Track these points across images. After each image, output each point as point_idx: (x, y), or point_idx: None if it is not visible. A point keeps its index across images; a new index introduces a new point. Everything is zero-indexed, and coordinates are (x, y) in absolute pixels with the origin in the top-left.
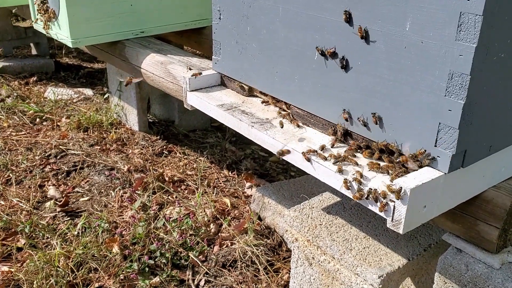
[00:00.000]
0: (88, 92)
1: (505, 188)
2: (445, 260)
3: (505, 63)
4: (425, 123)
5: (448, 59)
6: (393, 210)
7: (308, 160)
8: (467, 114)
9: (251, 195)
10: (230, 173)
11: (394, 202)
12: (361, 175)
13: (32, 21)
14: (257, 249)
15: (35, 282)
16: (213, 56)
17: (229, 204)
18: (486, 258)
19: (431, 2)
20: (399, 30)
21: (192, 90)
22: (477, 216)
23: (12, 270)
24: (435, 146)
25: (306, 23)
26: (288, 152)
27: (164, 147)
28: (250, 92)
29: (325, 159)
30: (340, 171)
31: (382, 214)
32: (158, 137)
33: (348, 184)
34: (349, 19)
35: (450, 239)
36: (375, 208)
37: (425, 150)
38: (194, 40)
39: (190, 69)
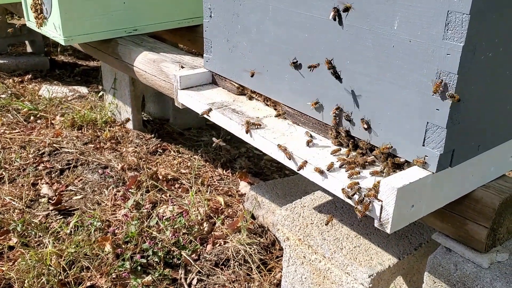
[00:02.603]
0: (83, 90)
1: (494, 188)
2: (435, 259)
3: (493, 62)
4: (413, 122)
5: (435, 58)
6: (381, 210)
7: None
8: (455, 113)
9: (245, 194)
10: (224, 171)
11: (381, 201)
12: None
13: (25, 20)
14: (250, 248)
15: (26, 281)
16: (204, 54)
17: (222, 203)
18: (475, 258)
19: (419, 1)
20: (388, 29)
21: (183, 89)
22: (466, 215)
23: (4, 268)
24: (423, 145)
25: (296, 21)
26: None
27: (159, 145)
28: (241, 91)
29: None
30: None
31: (368, 213)
32: (153, 135)
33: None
34: (337, 17)
35: (439, 239)
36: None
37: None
38: (188, 38)
39: (182, 67)
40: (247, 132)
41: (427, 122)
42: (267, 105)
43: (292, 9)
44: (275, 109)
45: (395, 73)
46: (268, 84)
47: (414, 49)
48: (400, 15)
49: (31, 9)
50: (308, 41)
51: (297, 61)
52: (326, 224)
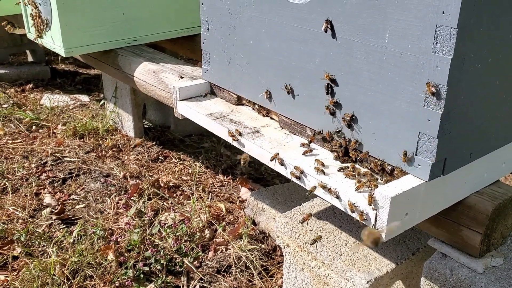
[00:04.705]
0: (84, 98)
1: (487, 194)
2: (430, 265)
3: (482, 73)
4: (406, 132)
5: (426, 70)
6: (375, 218)
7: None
8: (446, 123)
9: (246, 200)
10: (225, 177)
11: (376, 210)
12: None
13: (26, 31)
14: (252, 254)
15: None
16: (202, 66)
17: (224, 209)
18: (470, 263)
19: (408, 15)
20: (379, 42)
21: (183, 100)
22: (460, 221)
23: (8, 278)
24: (416, 154)
25: (291, 34)
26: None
27: (160, 152)
28: (239, 101)
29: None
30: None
31: (364, 222)
32: (154, 143)
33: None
34: (331, 29)
35: (435, 244)
36: (356, 216)
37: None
38: (187, 47)
39: (181, 77)
40: (234, 140)
41: (419, 132)
42: (264, 115)
43: (286, 22)
44: (272, 119)
45: (387, 84)
46: (265, 94)
47: (405, 62)
48: (391, 28)
49: (32, 21)
50: (302, 53)
51: (287, 85)
52: (301, 223)
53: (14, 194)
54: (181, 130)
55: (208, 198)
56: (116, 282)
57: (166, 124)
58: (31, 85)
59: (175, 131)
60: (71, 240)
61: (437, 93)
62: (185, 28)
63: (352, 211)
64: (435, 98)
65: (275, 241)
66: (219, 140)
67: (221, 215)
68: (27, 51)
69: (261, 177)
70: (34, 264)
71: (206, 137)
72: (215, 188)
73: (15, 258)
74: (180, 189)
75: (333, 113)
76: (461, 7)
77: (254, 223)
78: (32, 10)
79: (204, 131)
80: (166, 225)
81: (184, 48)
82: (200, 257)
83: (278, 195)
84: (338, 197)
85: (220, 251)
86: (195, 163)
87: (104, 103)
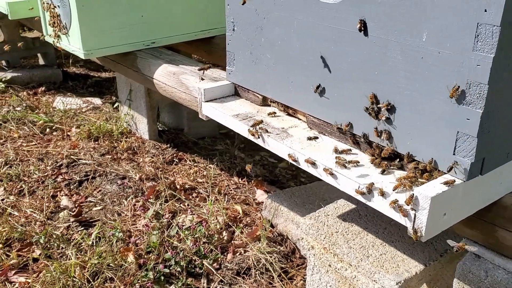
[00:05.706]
0: (97, 101)
1: None
2: (464, 266)
3: None
4: (443, 131)
5: (465, 69)
6: (414, 218)
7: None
8: (485, 122)
9: (262, 202)
10: (240, 180)
11: (415, 210)
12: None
13: (44, 34)
14: (271, 257)
15: None
16: (227, 67)
17: (240, 211)
18: (506, 264)
19: (447, 13)
20: (416, 41)
21: (207, 101)
22: (496, 222)
23: (29, 281)
24: (454, 154)
25: (322, 34)
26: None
27: (174, 155)
28: (264, 102)
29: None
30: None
31: (403, 222)
32: (168, 145)
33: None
34: (363, 28)
35: (468, 245)
36: (396, 216)
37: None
38: (204, 49)
39: (202, 79)
40: (253, 135)
41: (458, 132)
42: (292, 115)
43: (317, 22)
44: (299, 119)
45: (424, 84)
46: (292, 95)
47: (444, 61)
48: (428, 27)
49: (50, 24)
50: (335, 53)
51: (319, 86)
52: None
53: (31, 197)
54: (194, 133)
55: (224, 200)
56: (137, 284)
57: (180, 126)
58: (43, 88)
59: (189, 134)
60: (90, 242)
61: (462, 95)
62: (203, 30)
63: (391, 212)
64: (475, 96)
65: (294, 243)
66: (232, 142)
67: (238, 217)
68: (38, 54)
69: (276, 179)
70: (54, 266)
71: (219, 139)
72: (231, 190)
73: (35, 260)
74: (196, 191)
75: (374, 113)
76: (505, 4)
77: (271, 225)
78: (51, 12)
79: (217, 134)
80: (184, 227)
81: (201, 50)
82: (219, 259)
83: (295, 197)
84: (373, 198)
85: (238, 253)
86: (210, 165)
87: (118, 105)
